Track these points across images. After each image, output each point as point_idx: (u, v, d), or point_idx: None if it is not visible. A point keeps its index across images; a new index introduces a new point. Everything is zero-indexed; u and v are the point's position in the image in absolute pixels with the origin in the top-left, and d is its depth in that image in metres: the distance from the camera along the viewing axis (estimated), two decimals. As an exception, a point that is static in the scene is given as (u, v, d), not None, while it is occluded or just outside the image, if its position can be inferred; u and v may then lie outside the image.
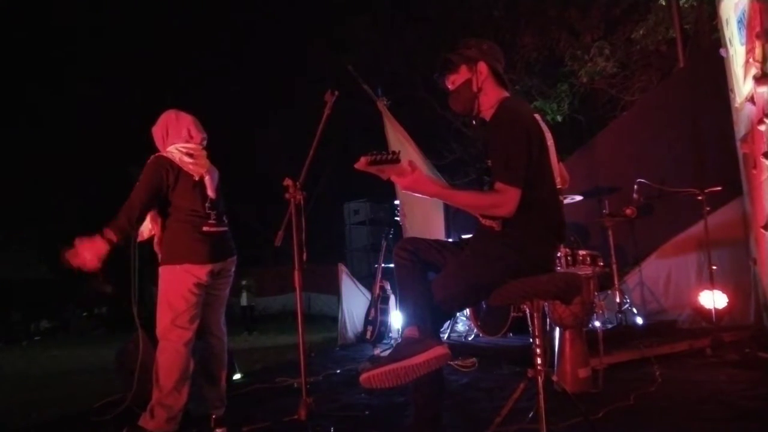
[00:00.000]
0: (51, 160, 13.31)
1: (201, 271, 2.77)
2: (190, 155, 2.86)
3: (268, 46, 13.46)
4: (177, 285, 2.75)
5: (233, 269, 3.03)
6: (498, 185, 1.90)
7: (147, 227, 2.90)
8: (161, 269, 2.80)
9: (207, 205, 2.86)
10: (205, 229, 2.81)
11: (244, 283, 11.23)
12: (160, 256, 2.84)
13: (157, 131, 2.94)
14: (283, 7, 13.13)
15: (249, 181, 14.65)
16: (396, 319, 5.80)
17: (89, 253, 2.56)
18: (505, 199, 1.89)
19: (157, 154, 2.86)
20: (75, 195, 13.31)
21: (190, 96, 12.86)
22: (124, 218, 2.67)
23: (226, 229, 2.97)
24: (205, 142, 2.98)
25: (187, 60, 13.72)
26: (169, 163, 2.79)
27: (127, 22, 13.21)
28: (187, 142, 2.89)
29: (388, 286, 6.11)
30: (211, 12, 13.51)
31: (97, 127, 12.86)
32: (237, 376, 4.15)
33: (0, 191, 12.94)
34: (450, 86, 2.20)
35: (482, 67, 2.12)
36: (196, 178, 2.84)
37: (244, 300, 11.30)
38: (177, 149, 2.85)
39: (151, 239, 2.91)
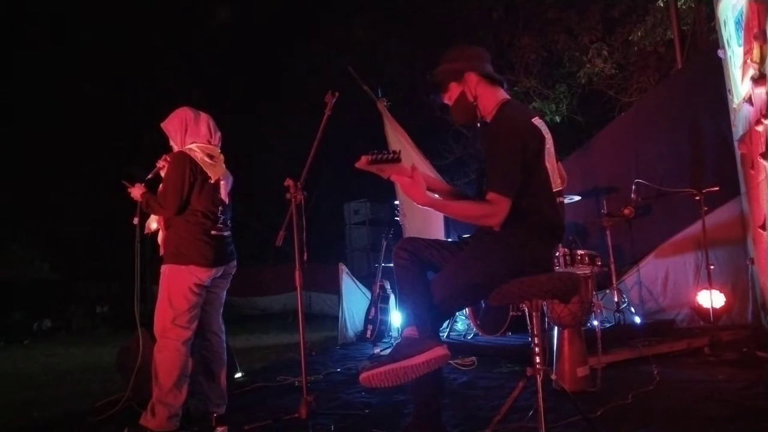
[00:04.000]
0: (52, 159, 13.31)
1: (205, 274, 2.80)
2: (211, 156, 2.88)
3: (268, 45, 13.46)
4: (180, 284, 2.76)
5: (233, 271, 3.06)
6: (491, 195, 1.92)
7: (154, 219, 2.95)
8: (164, 267, 2.81)
9: (220, 209, 2.90)
10: (213, 232, 2.85)
11: None
12: (162, 251, 2.86)
13: (173, 128, 2.91)
14: (283, 7, 13.13)
15: (249, 181, 14.66)
16: (396, 318, 5.82)
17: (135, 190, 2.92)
18: (495, 210, 1.92)
19: (179, 151, 2.86)
20: (76, 194, 13.31)
21: (189, 95, 12.86)
22: (155, 206, 2.82)
23: (230, 233, 3.01)
24: (220, 143, 3.01)
25: (187, 59, 13.72)
26: (192, 162, 2.80)
27: (126, 23, 13.21)
28: (209, 142, 2.91)
29: (387, 286, 6.13)
30: (209, 11, 13.51)
31: (99, 126, 12.85)
32: (238, 375, 4.16)
33: (1, 191, 12.94)
34: (447, 101, 2.22)
35: (470, 76, 2.13)
36: (213, 181, 2.86)
37: None
38: (198, 148, 2.85)
39: (155, 233, 2.96)
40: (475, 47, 2.24)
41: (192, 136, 2.88)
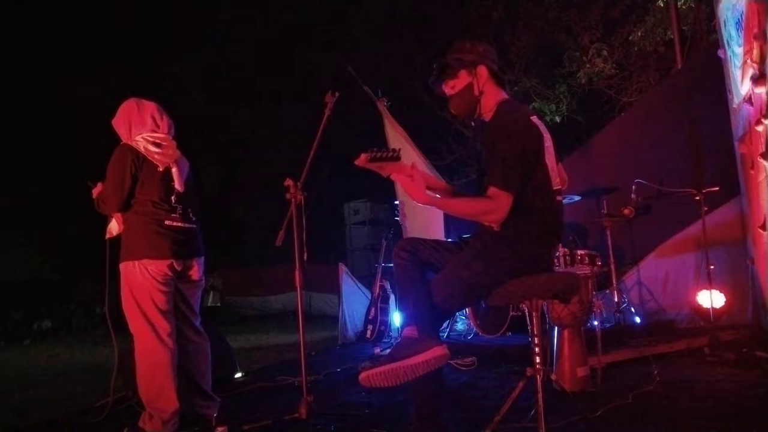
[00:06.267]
0: (52, 160, 13.31)
1: (162, 266, 2.64)
2: (157, 144, 2.74)
3: (268, 44, 13.46)
4: (140, 283, 2.63)
5: (201, 274, 2.88)
6: (492, 190, 1.92)
7: (115, 225, 2.81)
8: (121, 266, 2.69)
9: (173, 198, 2.74)
10: (167, 222, 2.69)
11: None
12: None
13: (119, 123, 2.81)
14: (283, 7, 13.14)
15: (249, 181, 14.65)
16: (396, 318, 5.82)
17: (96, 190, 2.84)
18: (497, 205, 1.91)
19: (122, 143, 2.76)
20: (76, 195, 13.30)
21: (189, 94, 12.85)
22: (100, 203, 2.76)
23: (192, 226, 2.83)
24: (173, 130, 2.87)
25: (186, 59, 13.72)
26: (134, 153, 2.68)
27: (126, 24, 13.22)
28: (154, 131, 2.77)
29: (388, 286, 6.13)
30: (208, 10, 13.51)
31: (98, 127, 12.86)
32: (238, 375, 4.16)
33: (0, 191, 12.93)
34: (449, 91, 2.21)
35: (482, 70, 2.14)
36: (161, 169, 2.72)
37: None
38: (143, 138, 2.73)
39: (119, 237, 2.82)
40: (488, 45, 2.24)
41: (137, 128, 2.75)
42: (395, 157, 1.87)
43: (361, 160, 1.89)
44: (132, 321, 2.66)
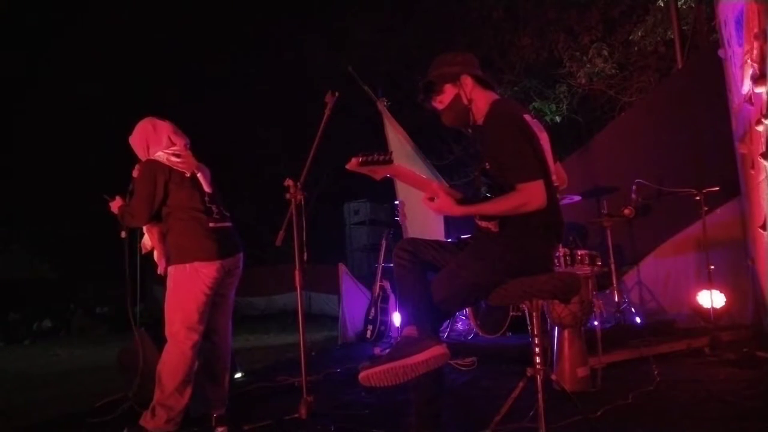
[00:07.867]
0: (51, 160, 13.31)
1: (212, 269, 2.74)
2: (177, 155, 2.84)
3: (268, 44, 13.46)
4: (187, 285, 2.72)
5: (241, 267, 3.00)
6: (518, 186, 1.92)
7: (149, 240, 2.93)
8: (170, 269, 2.78)
9: (206, 200, 2.85)
10: (210, 225, 2.80)
11: None
12: (161, 269, 2.85)
13: (136, 143, 2.90)
14: (282, 6, 13.13)
15: (249, 181, 14.65)
16: (396, 318, 5.82)
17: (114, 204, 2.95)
18: (528, 196, 1.92)
19: (146, 159, 2.85)
20: (75, 195, 13.30)
21: (190, 96, 12.86)
22: (127, 217, 2.81)
23: (230, 224, 2.96)
24: (188, 148, 2.95)
25: (187, 59, 13.72)
26: (159, 165, 2.78)
27: (124, 23, 13.22)
28: (169, 148, 2.87)
29: (387, 286, 6.13)
30: (209, 10, 13.51)
31: (98, 128, 12.85)
32: (238, 375, 4.16)
33: (0, 191, 12.93)
34: (438, 106, 2.23)
35: (466, 79, 2.16)
36: (188, 175, 2.82)
37: None
38: (163, 152, 2.83)
39: (151, 251, 2.94)
40: (466, 53, 2.27)
41: (155, 146, 2.85)
42: (387, 160, 1.87)
43: (352, 164, 1.89)
44: (171, 322, 2.74)
